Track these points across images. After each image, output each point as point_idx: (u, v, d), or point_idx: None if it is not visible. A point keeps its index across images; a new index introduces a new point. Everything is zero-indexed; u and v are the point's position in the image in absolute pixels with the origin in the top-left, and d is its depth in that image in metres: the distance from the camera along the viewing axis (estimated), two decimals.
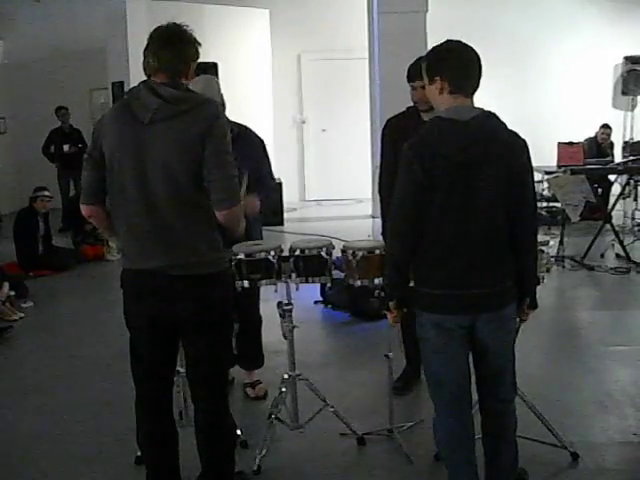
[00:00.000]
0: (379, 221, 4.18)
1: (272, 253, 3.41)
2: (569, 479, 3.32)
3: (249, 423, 3.80)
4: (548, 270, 3.49)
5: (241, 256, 3.38)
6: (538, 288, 2.83)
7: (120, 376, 3.61)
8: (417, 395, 4.18)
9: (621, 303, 6.13)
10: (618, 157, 9.99)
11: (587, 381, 4.36)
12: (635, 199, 8.62)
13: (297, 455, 3.61)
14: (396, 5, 8.50)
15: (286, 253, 3.49)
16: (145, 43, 2.70)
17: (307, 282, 3.50)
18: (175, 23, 2.70)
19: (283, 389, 3.62)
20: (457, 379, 2.70)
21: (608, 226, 7.42)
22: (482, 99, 2.62)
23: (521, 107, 10.10)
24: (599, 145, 9.95)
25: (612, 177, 9.23)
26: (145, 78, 2.70)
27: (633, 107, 11.54)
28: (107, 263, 8.13)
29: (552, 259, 3.61)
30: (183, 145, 2.58)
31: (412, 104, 3.91)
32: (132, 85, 2.74)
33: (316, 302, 6.16)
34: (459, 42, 2.58)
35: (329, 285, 3.82)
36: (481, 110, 2.56)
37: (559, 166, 8.19)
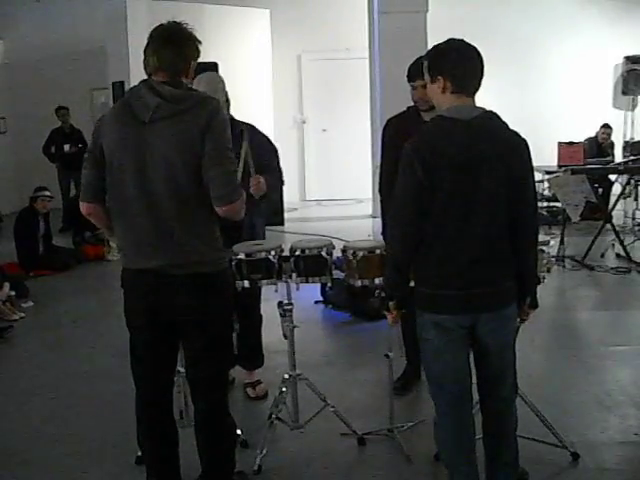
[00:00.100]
0: (379, 221, 4.18)
1: (272, 253, 3.41)
2: (569, 479, 3.32)
3: (249, 423, 3.80)
4: (549, 270, 3.49)
5: (241, 256, 3.38)
6: (538, 288, 2.83)
7: (120, 376, 3.61)
8: (417, 395, 4.18)
9: (621, 303, 6.13)
10: (618, 157, 9.98)
11: (587, 381, 4.36)
12: (635, 199, 8.62)
13: (297, 455, 3.61)
14: (396, 5, 8.49)
15: (286, 253, 3.49)
16: (145, 43, 2.70)
17: (307, 282, 3.50)
18: (175, 22, 2.70)
19: (283, 389, 3.62)
20: (458, 379, 2.70)
21: (609, 226, 7.42)
22: (483, 99, 2.62)
23: (522, 107, 10.11)
24: (599, 145, 9.95)
25: (612, 177, 9.23)
26: (145, 77, 2.70)
27: (633, 107, 11.53)
28: (107, 263, 8.13)
29: (552, 259, 3.61)
30: (183, 144, 2.58)
31: (412, 104, 3.91)
32: (132, 85, 2.74)
33: (316, 302, 6.16)
34: (461, 41, 2.58)
35: (329, 285, 3.82)
36: (483, 110, 2.56)
37: (559, 166, 8.20)
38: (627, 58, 11.37)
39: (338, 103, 11.80)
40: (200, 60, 2.78)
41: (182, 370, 3.28)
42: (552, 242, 3.63)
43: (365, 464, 3.52)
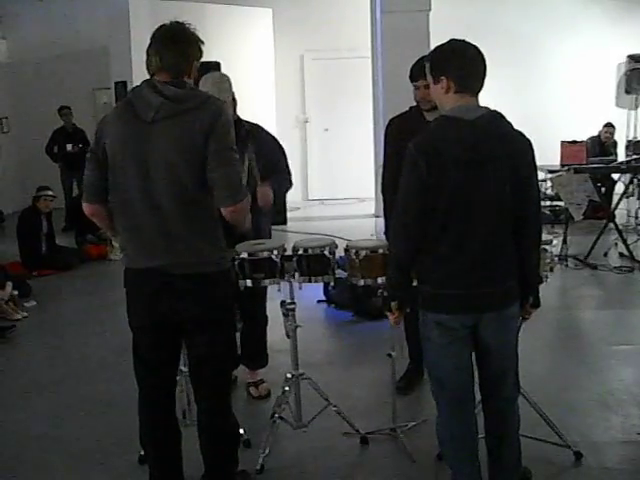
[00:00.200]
0: (382, 220, 4.18)
1: (275, 252, 3.41)
2: (572, 478, 3.32)
3: (252, 422, 3.80)
4: (551, 269, 3.49)
5: (244, 255, 3.38)
6: (541, 287, 2.83)
7: (123, 375, 3.61)
8: (420, 394, 4.18)
9: (624, 302, 6.12)
10: (621, 156, 9.96)
11: (590, 380, 4.36)
12: (639, 198, 8.61)
13: (300, 454, 3.61)
14: (399, 4, 8.50)
15: (289, 252, 3.49)
16: (148, 42, 2.70)
17: (310, 281, 3.50)
18: (178, 22, 2.70)
19: (286, 388, 3.62)
20: (460, 378, 2.70)
21: (611, 225, 7.41)
22: (485, 98, 2.61)
23: (524, 106, 10.08)
24: (602, 144, 9.94)
25: (615, 176, 9.21)
26: (148, 77, 2.70)
27: (636, 106, 11.50)
28: (110, 262, 8.14)
29: (555, 258, 3.60)
30: (186, 144, 2.58)
31: (415, 103, 3.91)
32: (135, 84, 2.74)
33: (319, 301, 6.16)
34: (463, 41, 2.58)
35: (332, 284, 3.81)
36: (487, 109, 2.56)
37: (562, 165, 8.17)
38: (630, 57, 11.34)
39: (340, 102, 11.80)
40: (202, 60, 2.78)
41: (185, 370, 3.28)
42: (555, 241, 3.62)
43: (368, 463, 3.52)
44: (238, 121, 3.91)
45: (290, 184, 4.11)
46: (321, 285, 5.99)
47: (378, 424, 3.74)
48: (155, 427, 2.92)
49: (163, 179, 2.60)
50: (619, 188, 8.91)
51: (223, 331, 2.84)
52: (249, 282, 3.42)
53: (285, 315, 3.52)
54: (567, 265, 7.08)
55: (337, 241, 3.63)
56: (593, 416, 3.88)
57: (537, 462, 3.28)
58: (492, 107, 2.59)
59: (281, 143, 4.15)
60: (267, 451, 3.46)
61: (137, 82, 2.74)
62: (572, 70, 11.34)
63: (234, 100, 3.90)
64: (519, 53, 11.13)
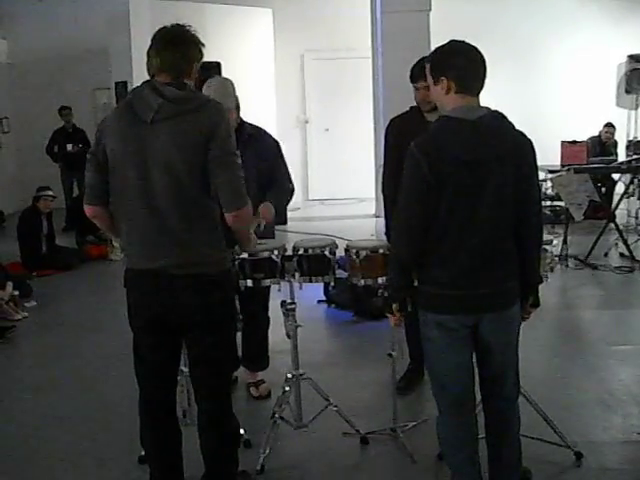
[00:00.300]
0: (382, 220, 4.18)
1: (275, 252, 3.41)
2: (572, 478, 3.32)
3: (252, 422, 3.80)
4: (552, 269, 3.49)
5: (244, 255, 3.38)
6: (541, 287, 2.82)
7: (124, 376, 3.61)
8: (420, 394, 4.18)
9: (625, 302, 6.12)
10: (622, 156, 9.96)
11: (590, 380, 4.36)
12: (639, 198, 8.60)
13: (300, 454, 3.61)
14: (399, 4, 8.50)
15: (289, 252, 3.49)
16: (148, 43, 2.70)
17: (310, 281, 3.50)
18: (179, 24, 2.71)
19: (287, 388, 3.62)
20: (461, 379, 2.70)
21: (612, 225, 7.42)
22: (485, 98, 2.62)
23: (525, 106, 10.08)
24: (603, 144, 9.94)
25: (616, 176, 9.21)
26: (148, 78, 2.70)
27: (637, 106, 11.51)
28: (110, 263, 8.14)
29: (556, 258, 3.60)
30: (185, 145, 2.58)
31: (415, 103, 3.91)
32: (135, 85, 2.75)
33: (319, 301, 6.16)
34: (463, 42, 2.58)
35: (332, 284, 3.81)
36: (488, 109, 2.56)
37: (563, 165, 8.17)
38: (630, 57, 11.35)
39: (341, 102, 11.80)
40: (203, 60, 2.78)
41: (185, 370, 3.28)
42: (555, 241, 3.63)
43: (368, 464, 3.52)
44: (241, 124, 3.91)
45: (291, 193, 4.08)
46: (321, 285, 5.98)
47: (378, 424, 3.74)
48: (155, 427, 2.92)
49: (163, 180, 2.60)
50: (619, 188, 8.91)
51: (223, 331, 2.84)
52: (249, 282, 3.42)
53: (285, 315, 3.52)
54: (567, 265, 7.08)
55: (337, 241, 3.63)
56: (593, 416, 3.88)
57: (537, 462, 3.28)
58: (492, 107, 2.59)
59: (282, 147, 4.13)
60: (267, 451, 3.46)
61: (137, 82, 2.74)
62: (572, 70, 11.35)
63: (237, 107, 3.88)
64: (519, 53, 11.14)
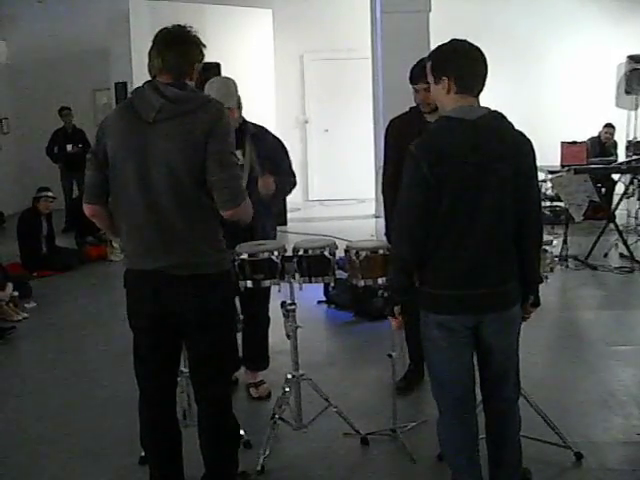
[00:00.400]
0: (382, 221, 4.18)
1: (275, 253, 3.41)
2: (572, 479, 3.32)
3: (252, 423, 3.80)
4: (552, 270, 3.49)
5: (244, 256, 3.39)
6: (541, 287, 2.82)
7: (124, 376, 3.61)
8: (420, 395, 4.18)
9: (625, 303, 6.12)
10: (622, 156, 9.97)
11: (590, 381, 4.36)
12: (639, 198, 8.60)
13: (300, 455, 3.61)
14: (399, 5, 8.49)
15: (289, 253, 3.49)
16: (148, 44, 2.71)
17: (310, 282, 3.50)
18: (180, 25, 2.71)
19: (286, 389, 3.62)
20: (461, 379, 2.70)
21: (612, 225, 7.41)
22: (485, 99, 2.61)
23: (524, 106, 10.07)
24: (602, 144, 9.94)
25: (615, 176, 9.21)
26: (148, 78, 2.70)
27: (636, 106, 11.50)
28: (110, 263, 8.14)
29: (556, 259, 3.60)
30: (186, 145, 2.58)
31: (415, 104, 3.91)
32: (135, 86, 2.75)
33: (319, 302, 6.16)
34: (464, 41, 2.57)
35: (332, 285, 3.81)
36: (488, 110, 2.56)
37: (562, 165, 8.18)
38: (630, 57, 11.34)
39: (340, 103, 11.80)
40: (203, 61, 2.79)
41: (185, 370, 3.28)
42: (555, 242, 3.62)
43: (368, 464, 3.52)
44: (243, 123, 3.93)
45: (293, 185, 4.11)
46: (321, 286, 5.99)
47: (378, 425, 3.74)
48: (155, 428, 2.92)
49: (163, 180, 2.60)
50: (619, 189, 8.91)
51: (223, 332, 2.84)
52: (249, 283, 3.42)
53: (285, 316, 3.52)
54: (567, 266, 7.08)
55: (337, 242, 3.63)
56: (593, 416, 3.88)
57: (537, 462, 3.28)
58: (492, 107, 2.59)
59: (284, 144, 4.16)
60: (267, 452, 3.46)
61: (137, 83, 2.75)
62: (572, 70, 11.34)
63: (240, 106, 3.89)
64: (519, 54, 11.13)
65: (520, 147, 2.58)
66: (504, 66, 10.08)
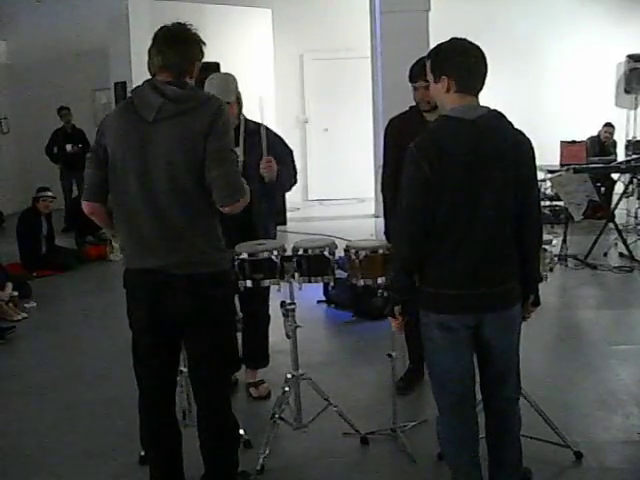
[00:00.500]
0: (382, 220, 4.18)
1: (275, 253, 3.40)
2: (573, 478, 3.32)
3: (252, 423, 3.80)
4: (551, 269, 3.49)
5: (244, 256, 3.38)
6: (541, 287, 2.82)
7: (123, 376, 3.61)
8: (420, 394, 4.18)
9: (624, 302, 6.12)
10: (621, 156, 9.97)
11: (590, 380, 4.36)
12: (638, 198, 8.61)
13: (300, 455, 3.61)
14: (398, 4, 8.49)
15: (289, 253, 3.49)
16: (147, 43, 2.70)
17: (310, 282, 3.50)
18: (180, 23, 2.71)
19: (286, 389, 3.62)
20: (461, 379, 2.69)
21: (611, 225, 7.41)
22: (484, 98, 2.61)
23: (524, 106, 10.07)
24: (602, 144, 9.95)
25: (615, 176, 9.22)
26: (148, 77, 2.70)
27: (636, 106, 11.51)
28: (110, 263, 8.14)
29: (555, 258, 3.60)
30: (187, 144, 2.58)
31: (414, 103, 3.91)
32: (135, 85, 2.75)
33: (319, 302, 6.16)
34: (464, 40, 2.57)
35: (332, 285, 3.81)
36: (488, 109, 2.56)
37: (562, 165, 8.19)
38: (630, 57, 11.35)
39: (340, 102, 11.80)
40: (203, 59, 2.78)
41: (185, 370, 3.28)
42: (555, 241, 3.62)
43: (368, 464, 3.52)
44: (244, 121, 3.93)
45: (294, 181, 4.11)
46: (321, 285, 5.98)
47: (378, 424, 3.74)
48: (155, 427, 2.92)
49: (163, 179, 2.60)
50: (619, 188, 8.92)
51: (223, 332, 2.84)
52: (249, 282, 3.42)
53: (285, 315, 3.52)
54: (567, 265, 7.08)
55: (337, 241, 3.62)
56: (593, 416, 3.88)
57: (537, 462, 3.28)
58: (492, 107, 2.58)
59: (286, 142, 4.16)
60: (267, 451, 3.46)
61: (137, 83, 2.74)
62: (572, 70, 11.35)
63: (239, 101, 3.89)
64: (519, 53, 11.13)
65: (520, 146, 2.58)
66: (504, 65, 10.08)
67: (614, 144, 10.11)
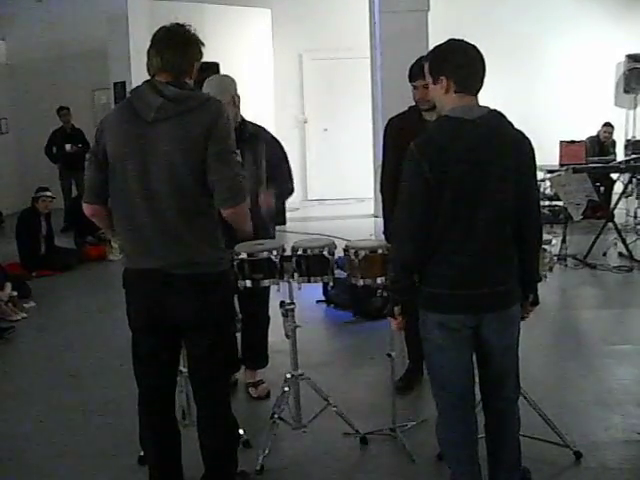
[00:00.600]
0: (381, 220, 4.18)
1: (274, 253, 3.40)
2: (572, 478, 3.32)
3: (252, 423, 3.80)
4: (550, 269, 3.49)
5: (243, 256, 3.38)
6: (540, 287, 2.83)
7: (123, 376, 3.61)
8: (420, 394, 4.18)
9: (624, 302, 6.12)
10: (620, 155, 9.97)
11: (590, 380, 4.36)
12: (637, 197, 8.61)
13: (300, 455, 3.61)
14: (397, 4, 8.50)
15: (288, 253, 3.49)
16: (147, 43, 2.70)
17: (309, 282, 3.50)
18: (178, 23, 2.71)
19: (286, 389, 3.62)
20: (461, 379, 2.69)
21: (610, 225, 7.42)
22: (484, 98, 2.61)
23: (523, 106, 10.06)
24: (601, 143, 9.95)
25: (614, 175, 9.22)
26: (147, 78, 2.70)
27: (635, 105, 11.51)
28: (109, 263, 8.13)
29: (554, 258, 3.61)
30: (186, 144, 2.58)
31: (414, 103, 3.92)
32: (134, 85, 2.75)
33: (318, 301, 6.16)
34: (462, 41, 2.57)
35: (331, 284, 3.81)
36: (487, 109, 2.56)
37: (561, 165, 8.19)
38: (629, 56, 11.35)
39: (339, 102, 11.80)
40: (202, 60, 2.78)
41: (184, 370, 3.28)
42: (554, 241, 3.62)
43: (368, 464, 3.52)
44: (242, 122, 3.92)
45: (292, 190, 4.13)
46: (320, 285, 5.98)
47: (378, 424, 3.74)
48: (155, 428, 2.92)
49: (163, 179, 2.60)
50: (618, 188, 8.92)
51: (222, 332, 2.84)
52: (248, 282, 3.42)
53: (284, 315, 3.52)
54: (566, 265, 7.08)
55: (336, 241, 3.62)
56: (592, 416, 3.88)
57: (536, 462, 3.28)
58: (491, 106, 2.59)
59: (284, 147, 4.15)
60: (267, 451, 3.46)
61: (136, 82, 2.74)
62: (571, 69, 11.34)
63: (234, 102, 3.87)
64: (518, 53, 11.12)
65: (520, 146, 2.58)
66: (503, 65, 10.08)
67: (613, 144, 10.12)
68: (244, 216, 2.75)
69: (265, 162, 3.92)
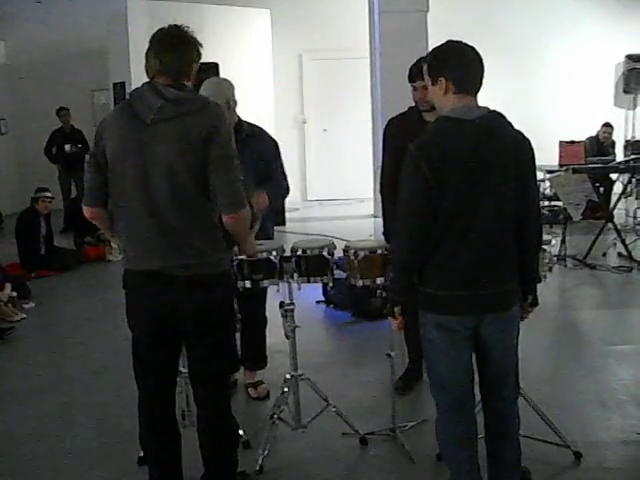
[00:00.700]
0: (381, 221, 4.18)
1: (274, 253, 3.41)
2: (572, 478, 3.32)
3: (251, 423, 3.80)
4: (550, 269, 3.49)
5: (243, 256, 3.38)
6: (540, 287, 2.83)
7: (123, 377, 3.62)
8: (419, 394, 4.18)
9: (623, 302, 6.12)
10: (620, 156, 9.98)
11: (589, 380, 4.36)
12: (637, 198, 8.63)
13: (299, 455, 3.61)
14: (397, 4, 8.50)
15: (288, 253, 3.49)
16: (146, 43, 2.70)
17: (309, 282, 3.50)
18: (177, 25, 2.71)
19: (285, 389, 3.62)
20: (461, 380, 2.69)
21: (610, 225, 7.42)
22: (483, 98, 2.61)
23: (523, 106, 10.07)
24: (601, 144, 9.95)
25: (614, 176, 9.23)
26: (146, 78, 2.70)
27: (635, 106, 11.53)
28: (109, 264, 8.14)
29: (554, 258, 3.61)
30: (185, 146, 2.58)
31: (413, 104, 3.92)
32: (133, 86, 2.75)
33: (318, 302, 6.16)
34: (460, 42, 2.58)
35: (331, 285, 3.81)
36: (487, 109, 2.56)
37: (561, 165, 8.19)
38: (628, 57, 11.37)
39: (339, 103, 11.80)
40: (201, 61, 2.78)
41: (184, 370, 3.28)
42: (553, 241, 3.63)
43: (367, 464, 3.52)
44: (239, 123, 3.92)
45: (286, 191, 4.11)
46: (320, 286, 5.99)
47: (377, 424, 3.74)
48: (154, 428, 2.92)
49: (162, 181, 2.60)
50: (617, 188, 8.93)
51: (222, 332, 2.84)
52: (248, 283, 3.42)
53: (284, 316, 3.52)
54: (566, 265, 7.08)
55: (336, 242, 3.62)
56: (592, 416, 3.88)
57: (536, 462, 3.28)
58: (491, 107, 2.59)
59: (281, 148, 4.14)
60: (266, 452, 3.46)
61: (135, 83, 2.75)
62: (571, 70, 11.35)
63: (229, 105, 3.84)
64: (517, 53, 11.14)
65: (519, 147, 2.58)
66: (503, 65, 10.10)
67: (613, 144, 10.12)
68: (246, 222, 2.75)
69: (262, 162, 3.91)
